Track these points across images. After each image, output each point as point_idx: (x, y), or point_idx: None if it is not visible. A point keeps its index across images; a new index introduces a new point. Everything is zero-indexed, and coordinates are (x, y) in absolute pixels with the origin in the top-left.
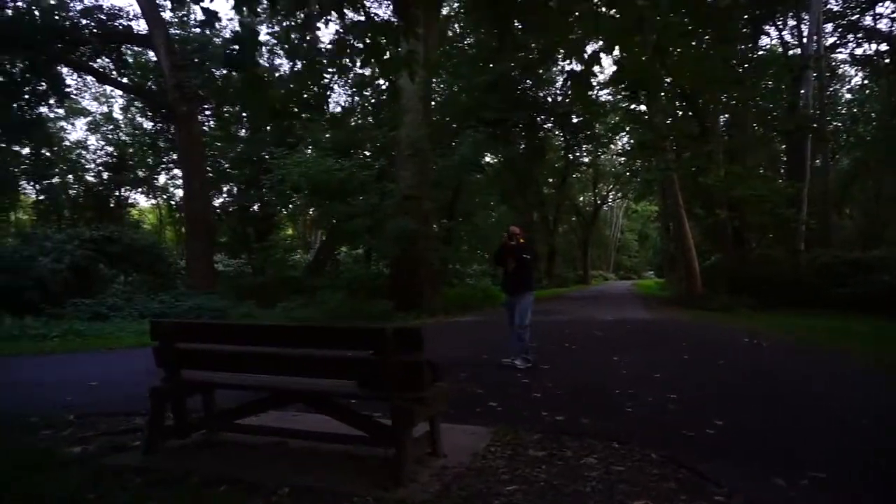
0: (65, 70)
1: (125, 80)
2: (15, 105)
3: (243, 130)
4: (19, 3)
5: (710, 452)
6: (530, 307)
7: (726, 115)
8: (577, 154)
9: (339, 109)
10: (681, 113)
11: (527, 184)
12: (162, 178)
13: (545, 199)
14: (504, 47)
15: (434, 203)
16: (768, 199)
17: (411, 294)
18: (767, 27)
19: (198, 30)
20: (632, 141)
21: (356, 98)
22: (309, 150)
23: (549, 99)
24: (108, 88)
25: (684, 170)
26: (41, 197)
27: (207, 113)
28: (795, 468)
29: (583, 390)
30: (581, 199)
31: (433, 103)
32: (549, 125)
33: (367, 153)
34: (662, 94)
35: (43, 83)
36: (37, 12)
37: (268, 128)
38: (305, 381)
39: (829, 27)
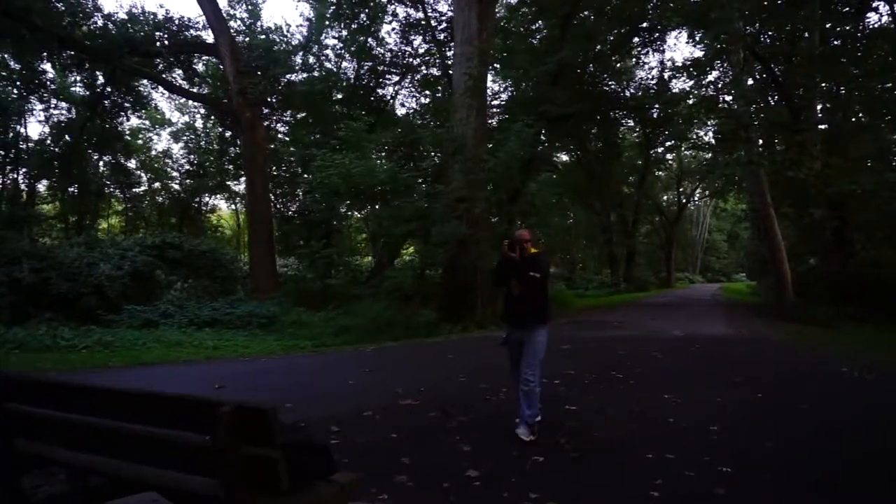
0: (142, 82)
1: (196, 89)
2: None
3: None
4: (95, 19)
5: None
6: (544, 350)
7: (827, 104)
8: (658, 150)
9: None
10: (773, 102)
11: (602, 183)
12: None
13: (624, 198)
14: (567, 36)
15: (487, 205)
16: (879, 193)
17: (461, 304)
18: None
19: (263, 36)
20: (711, 133)
21: (423, 99)
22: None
23: (628, 93)
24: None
25: (774, 164)
26: (128, 204)
27: (276, 118)
28: None
29: (603, 451)
30: (665, 197)
31: (498, 101)
32: (627, 120)
33: (422, 153)
34: (751, 79)
35: (122, 96)
36: (112, 27)
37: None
38: (156, 470)
39: None
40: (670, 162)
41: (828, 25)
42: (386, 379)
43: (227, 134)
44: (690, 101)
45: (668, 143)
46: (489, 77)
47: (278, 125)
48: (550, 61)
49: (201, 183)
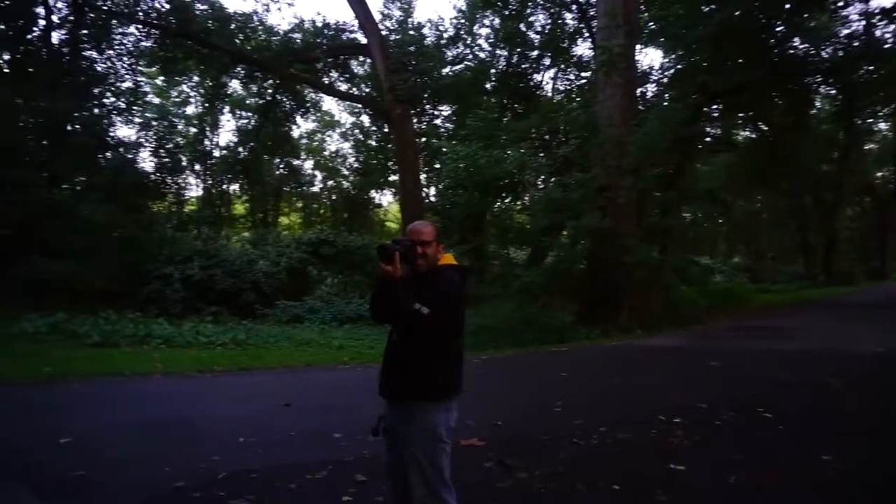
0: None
1: (356, 90)
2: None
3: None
4: (260, 33)
5: None
6: (433, 447)
7: None
8: (867, 119)
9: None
10: None
11: (789, 161)
12: None
13: (821, 177)
14: None
15: (633, 193)
16: None
17: (602, 305)
18: None
19: (413, 32)
20: None
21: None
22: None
23: (824, 54)
24: None
25: None
26: (303, 203)
27: (434, 113)
28: None
29: None
30: (879, 174)
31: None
32: (825, 87)
33: (560, 140)
34: None
35: (290, 102)
36: (275, 39)
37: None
38: None
39: None
40: (884, 132)
41: None
42: (468, 404)
43: (386, 131)
44: None
45: (880, 111)
46: (655, 52)
47: (437, 120)
48: (709, 23)
49: (367, 180)
